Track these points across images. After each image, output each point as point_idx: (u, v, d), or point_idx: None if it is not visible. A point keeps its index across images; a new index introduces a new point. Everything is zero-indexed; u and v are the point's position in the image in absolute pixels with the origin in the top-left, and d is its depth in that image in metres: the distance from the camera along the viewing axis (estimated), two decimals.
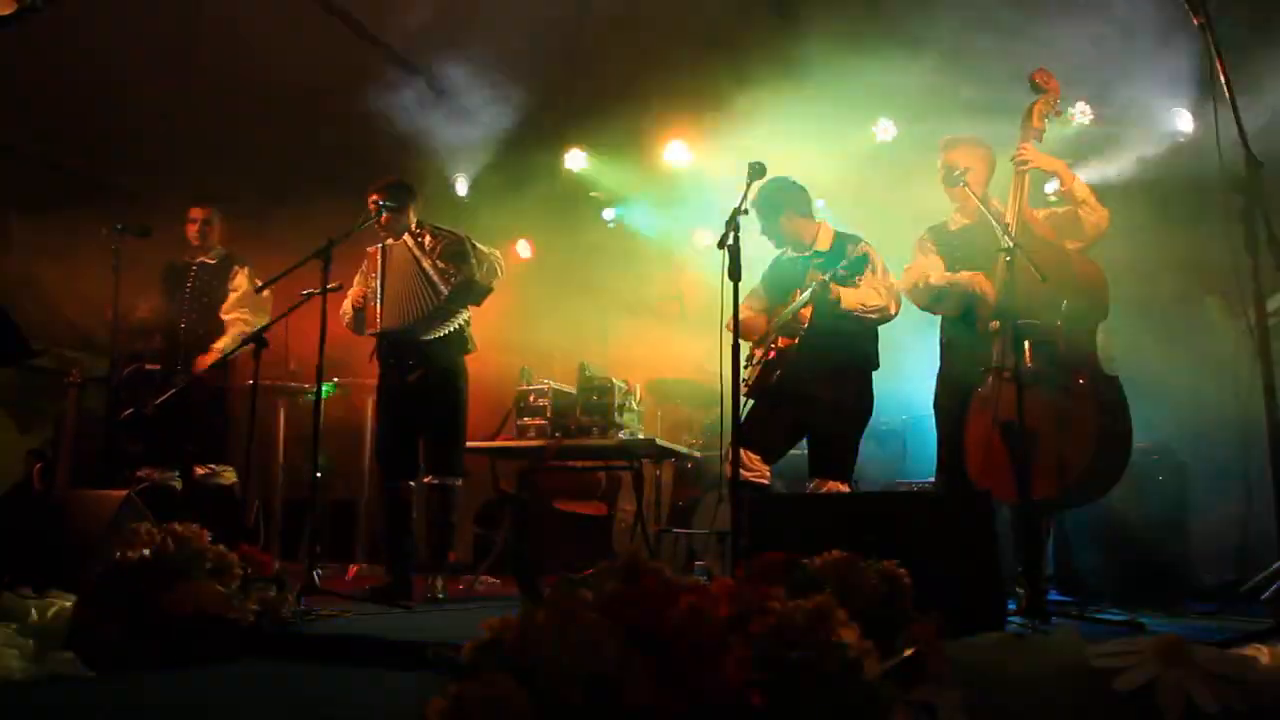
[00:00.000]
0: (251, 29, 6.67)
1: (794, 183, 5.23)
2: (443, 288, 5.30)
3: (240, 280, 6.24)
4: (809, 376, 4.93)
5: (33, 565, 3.90)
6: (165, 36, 6.70)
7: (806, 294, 4.91)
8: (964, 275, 4.73)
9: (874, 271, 4.99)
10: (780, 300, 5.17)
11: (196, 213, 6.36)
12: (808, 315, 4.95)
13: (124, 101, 6.95)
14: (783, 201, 5.17)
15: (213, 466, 6.06)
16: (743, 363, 5.16)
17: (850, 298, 4.89)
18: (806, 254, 5.15)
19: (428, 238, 5.42)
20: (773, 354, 5.05)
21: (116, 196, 7.42)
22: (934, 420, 4.97)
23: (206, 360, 6.01)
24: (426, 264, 5.35)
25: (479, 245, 5.53)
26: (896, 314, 5.03)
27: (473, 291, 5.44)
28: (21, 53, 6.03)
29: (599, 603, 1.36)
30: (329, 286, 5.15)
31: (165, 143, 7.35)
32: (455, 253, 5.38)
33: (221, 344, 6.07)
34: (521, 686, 1.31)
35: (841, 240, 5.13)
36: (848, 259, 4.90)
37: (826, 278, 4.84)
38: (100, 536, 4.20)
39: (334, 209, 6.62)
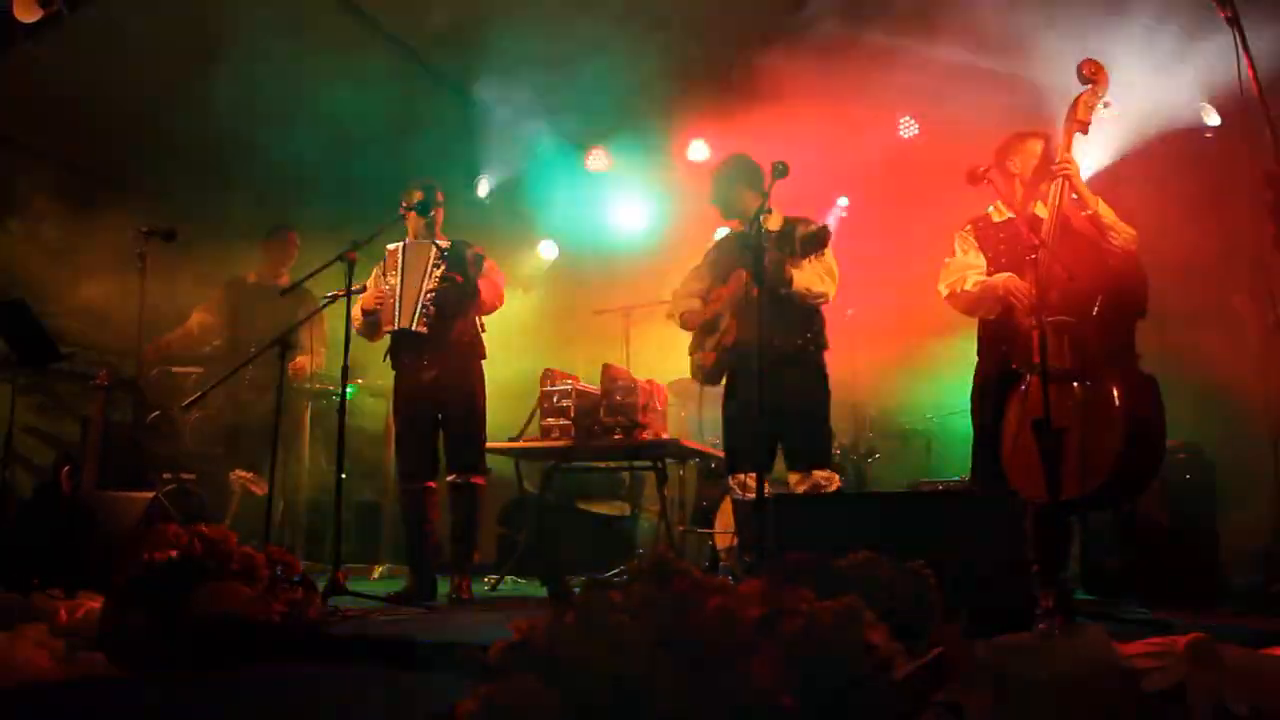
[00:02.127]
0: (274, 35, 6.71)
1: (748, 159, 5.25)
2: (432, 313, 5.35)
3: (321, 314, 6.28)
4: (763, 360, 4.91)
5: (62, 567, 3.94)
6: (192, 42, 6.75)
7: (762, 269, 4.87)
8: (998, 279, 4.68)
9: (821, 256, 4.95)
10: (721, 281, 5.19)
11: (294, 237, 6.51)
12: (756, 292, 4.91)
13: (150, 106, 7.00)
14: (735, 175, 5.20)
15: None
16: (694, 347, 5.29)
17: (799, 279, 4.92)
18: (751, 231, 5.10)
19: (442, 270, 5.41)
20: (728, 339, 5.06)
21: (141, 200, 7.46)
22: (964, 418, 4.94)
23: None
24: (431, 279, 5.38)
25: (483, 286, 5.50)
26: (833, 298, 5.07)
27: (447, 334, 5.45)
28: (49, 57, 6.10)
29: (628, 604, 1.36)
30: (353, 289, 5.18)
31: (187, 148, 7.39)
32: (450, 294, 5.40)
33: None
34: (550, 688, 1.31)
35: (791, 223, 5.06)
36: (803, 236, 4.88)
37: (785, 253, 4.84)
38: (128, 538, 4.23)
39: (355, 212, 6.65)
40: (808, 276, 4.95)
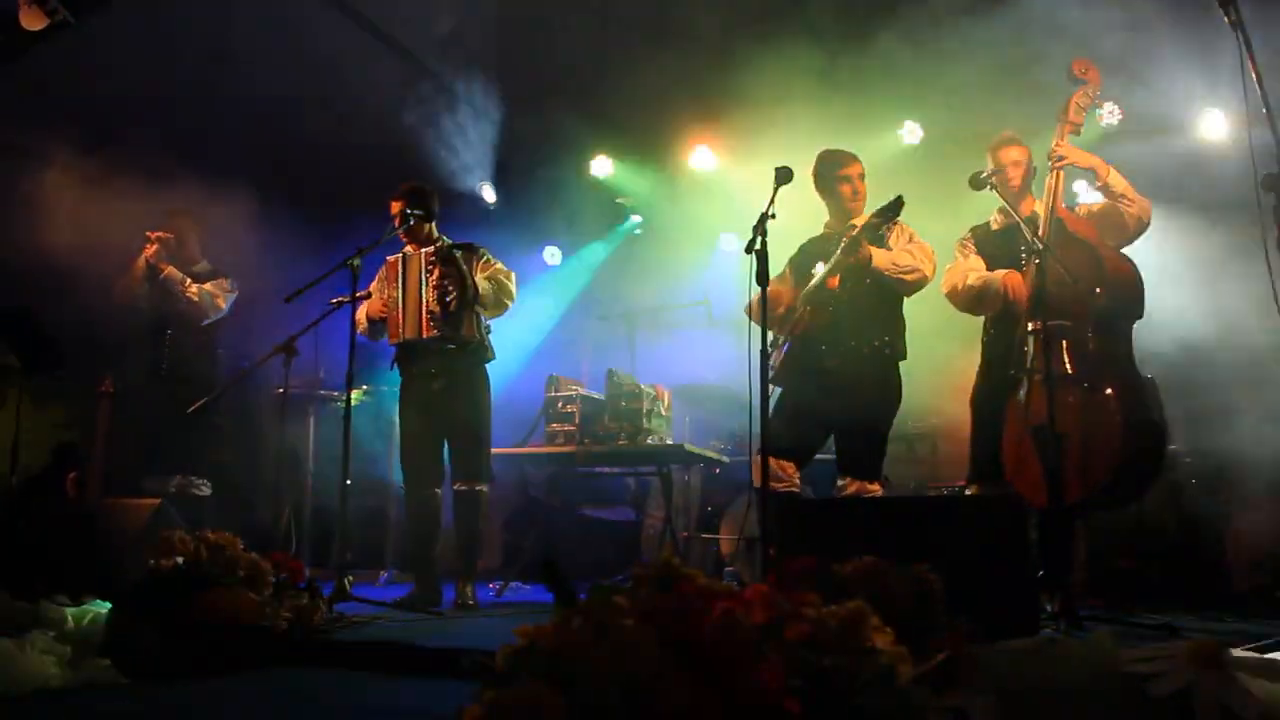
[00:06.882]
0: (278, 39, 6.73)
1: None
2: (438, 312, 5.30)
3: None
4: (837, 357, 4.82)
5: (68, 573, 3.94)
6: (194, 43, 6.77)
7: (838, 253, 4.73)
8: (998, 274, 4.68)
9: (910, 239, 4.88)
10: (803, 281, 5.03)
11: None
12: (836, 283, 4.80)
13: (147, 107, 7.01)
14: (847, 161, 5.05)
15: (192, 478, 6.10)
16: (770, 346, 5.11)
17: (881, 256, 4.73)
18: (839, 231, 4.97)
19: (437, 271, 5.34)
20: (799, 329, 4.91)
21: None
22: (969, 420, 4.93)
23: None
24: (428, 285, 5.35)
25: (483, 283, 5.40)
26: (932, 278, 4.85)
27: (458, 333, 5.38)
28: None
29: (634, 609, 1.36)
30: (357, 295, 5.18)
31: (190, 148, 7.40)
32: (451, 292, 5.30)
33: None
34: (557, 693, 1.31)
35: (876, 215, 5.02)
36: (879, 209, 4.76)
37: (859, 231, 4.71)
38: (134, 545, 4.23)
39: (363, 218, 6.66)
40: (892, 253, 4.78)
